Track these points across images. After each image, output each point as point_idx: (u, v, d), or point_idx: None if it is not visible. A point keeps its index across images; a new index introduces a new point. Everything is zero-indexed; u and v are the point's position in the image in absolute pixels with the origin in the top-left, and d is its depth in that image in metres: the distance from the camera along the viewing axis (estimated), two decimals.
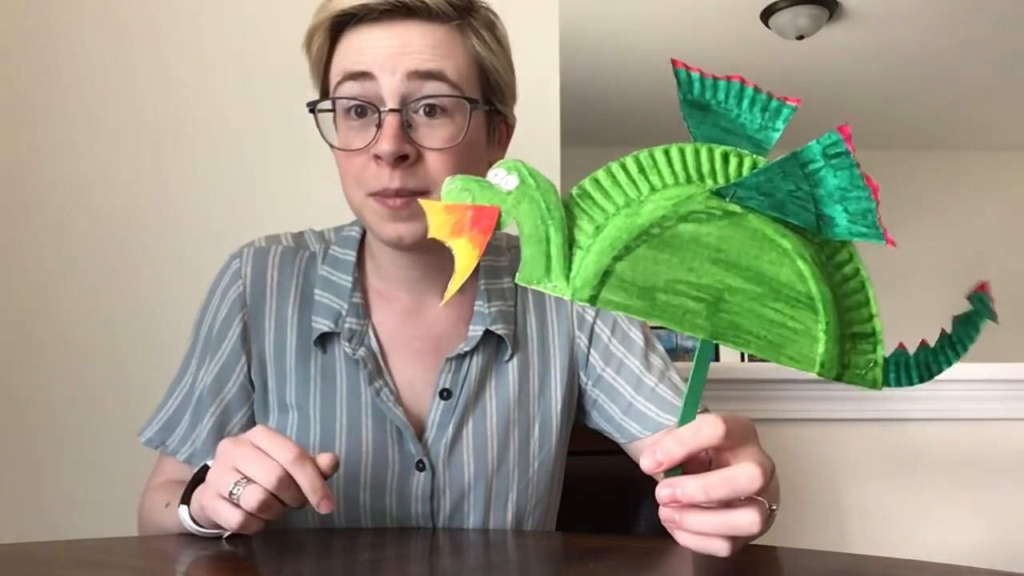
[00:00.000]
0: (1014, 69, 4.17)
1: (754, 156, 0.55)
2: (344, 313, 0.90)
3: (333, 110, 0.85)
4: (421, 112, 0.81)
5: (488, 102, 0.87)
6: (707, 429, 0.54)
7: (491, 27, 0.88)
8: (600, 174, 0.54)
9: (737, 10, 3.63)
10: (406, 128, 0.81)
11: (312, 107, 0.86)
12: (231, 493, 0.69)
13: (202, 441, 0.91)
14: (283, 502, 0.71)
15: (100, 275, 1.45)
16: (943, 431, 1.71)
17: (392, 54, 0.81)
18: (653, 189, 0.54)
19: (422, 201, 0.52)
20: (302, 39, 0.88)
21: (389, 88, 0.80)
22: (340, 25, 0.84)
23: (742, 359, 5.10)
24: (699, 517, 0.55)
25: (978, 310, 0.59)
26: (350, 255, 0.93)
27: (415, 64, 0.81)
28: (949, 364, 0.57)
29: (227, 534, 0.77)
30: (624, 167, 0.54)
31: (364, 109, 0.82)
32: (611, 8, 3.56)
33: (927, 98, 4.54)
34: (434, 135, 0.82)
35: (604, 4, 3.52)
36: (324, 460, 0.72)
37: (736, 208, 0.53)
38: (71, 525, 1.40)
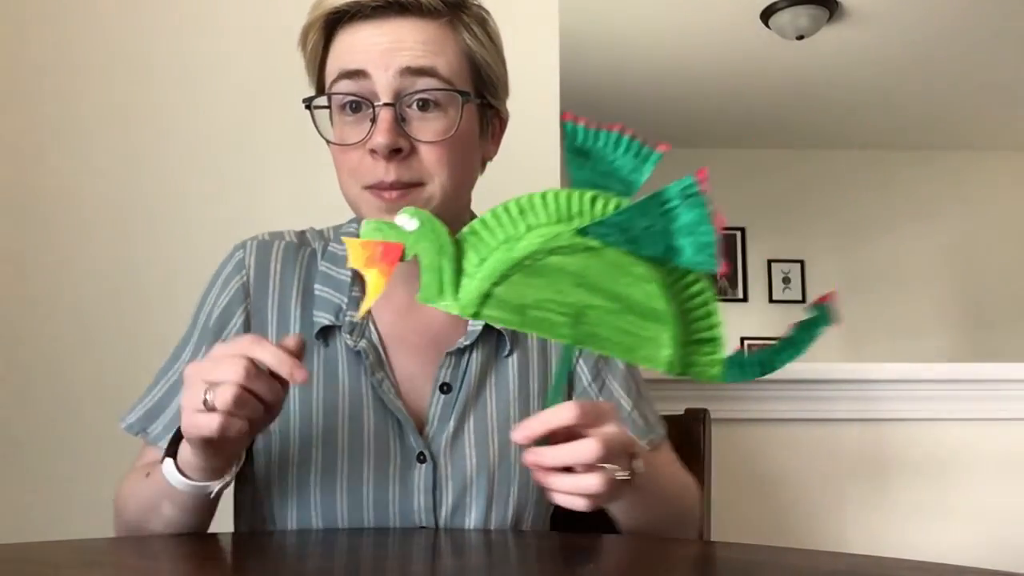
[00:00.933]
0: (1014, 69, 4.17)
1: (619, 198, 0.66)
2: (344, 307, 0.92)
3: (328, 107, 0.87)
4: (414, 107, 0.84)
5: (480, 96, 0.89)
6: (562, 412, 0.68)
7: (482, 23, 0.90)
8: (487, 216, 0.66)
9: (737, 10, 3.63)
10: (400, 122, 0.83)
11: (308, 104, 0.88)
12: (204, 402, 0.69)
13: None
14: (259, 398, 0.71)
15: (100, 275, 1.45)
16: (943, 431, 1.71)
17: (385, 51, 0.83)
18: (529, 228, 0.66)
19: (346, 240, 0.65)
20: (297, 37, 0.90)
21: (383, 84, 0.83)
22: (334, 22, 0.86)
23: None
24: (557, 478, 0.69)
25: (819, 317, 0.70)
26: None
27: (408, 60, 0.83)
28: (788, 360, 0.68)
29: (216, 487, 0.77)
30: (507, 209, 0.66)
31: (359, 105, 0.84)
32: (611, 8, 3.56)
33: (927, 98, 4.54)
34: (427, 128, 0.84)
35: (604, 4, 3.52)
36: (289, 340, 0.73)
37: (596, 243, 0.65)
38: (71, 525, 1.40)
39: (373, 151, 0.83)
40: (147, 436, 0.92)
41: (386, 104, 0.82)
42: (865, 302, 5.15)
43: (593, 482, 0.68)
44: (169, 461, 0.78)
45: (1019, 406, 1.70)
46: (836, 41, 3.87)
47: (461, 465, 0.90)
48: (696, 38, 3.86)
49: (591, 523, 0.82)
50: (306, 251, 0.96)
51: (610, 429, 0.71)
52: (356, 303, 0.92)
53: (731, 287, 5.27)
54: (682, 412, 1.22)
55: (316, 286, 0.93)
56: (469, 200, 0.94)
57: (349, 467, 0.88)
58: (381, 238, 0.63)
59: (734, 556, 0.77)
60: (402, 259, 0.63)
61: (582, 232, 0.65)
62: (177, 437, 0.78)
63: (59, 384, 1.43)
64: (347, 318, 0.91)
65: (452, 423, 0.90)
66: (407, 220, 0.64)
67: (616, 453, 0.70)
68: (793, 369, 1.77)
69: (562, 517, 1.00)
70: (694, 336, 0.67)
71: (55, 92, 1.48)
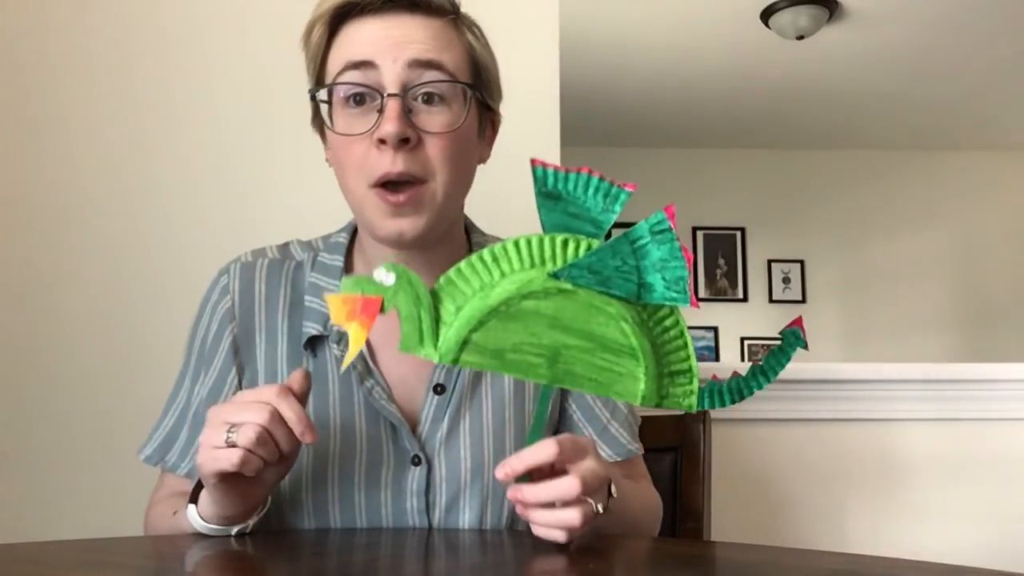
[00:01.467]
0: (1014, 69, 4.17)
1: (589, 240, 0.68)
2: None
3: (329, 101, 0.87)
4: (420, 100, 0.85)
5: (480, 94, 0.90)
6: (541, 451, 0.71)
7: (477, 27, 0.92)
8: (462, 265, 0.68)
9: (737, 10, 3.63)
10: (407, 113, 0.84)
11: (313, 94, 0.89)
12: (225, 440, 0.71)
13: None
14: (277, 444, 0.74)
15: (100, 277, 1.45)
16: (942, 431, 1.71)
17: (394, 43, 0.84)
18: (503, 274, 0.68)
19: (326, 297, 0.67)
20: (300, 35, 0.90)
21: (391, 75, 0.84)
22: (341, 17, 0.87)
23: (742, 359, 5.11)
24: (538, 513, 0.73)
25: (790, 343, 0.72)
26: (338, 260, 0.95)
27: (416, 53, 0.84)
28: (760, 387, 0.72)
29: (235, 531, 0.79)
30: (481, 258, 0.68)
31: (363, 97, 0.85)
32: (611, 8, 3.56)
33: (927, 98, 4.54)
34: (433, 120, 0.85)
35: (604, 4, 3.52)
36: (295, 378, 0.77)
37: (568, 286, 0.67)
38: (71, 525, 1.40)
39: (381, 141, 0.83)
40: (166, 464, 0.95)
41: (394, 95, 0.83)
42: (865, 302, 5.16)
43: (572, 516, 0.71)
44: (192, 508, 0.80)
45: (1019, 406, 1.70)
46: (836, 41, 3.87)
47: (455, 466, 0.90)
48: (696, 38, 3.86)
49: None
50: (291, 264, 0.96)
51: (589, 464, 0.74)
52: None
53: (731, 287, 5.28)
54: (682, 412, 1.22)
55: (306, 297, 0.93)
56: (463, 204, 0.95)
57: (340, 473, 0.88)
58: (360, 293, 0.65)
59: (734, 556, 0.77)
60: (382, 311, 0.65)
61: (555, 276, 0.67)
62: (200, 485, 0.80)
63: (59, 384, 1.43)
64: (334, 328, 0.91)
65: (446, 424, 0.90)
66: (384, 275, 0.66)
67: (594, 488, 0.73)
68: (793, 369, 1.77)
69: None
70: (668, 369, 0.70)
71: (54, 97, 1.48)
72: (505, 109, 0.97)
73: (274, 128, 1.51)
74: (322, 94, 0.88)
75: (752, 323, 5.19)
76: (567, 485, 0.71)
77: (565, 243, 0.68)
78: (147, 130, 1.49)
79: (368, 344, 0.91)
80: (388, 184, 0.84)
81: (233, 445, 0.71)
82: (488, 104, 0.92)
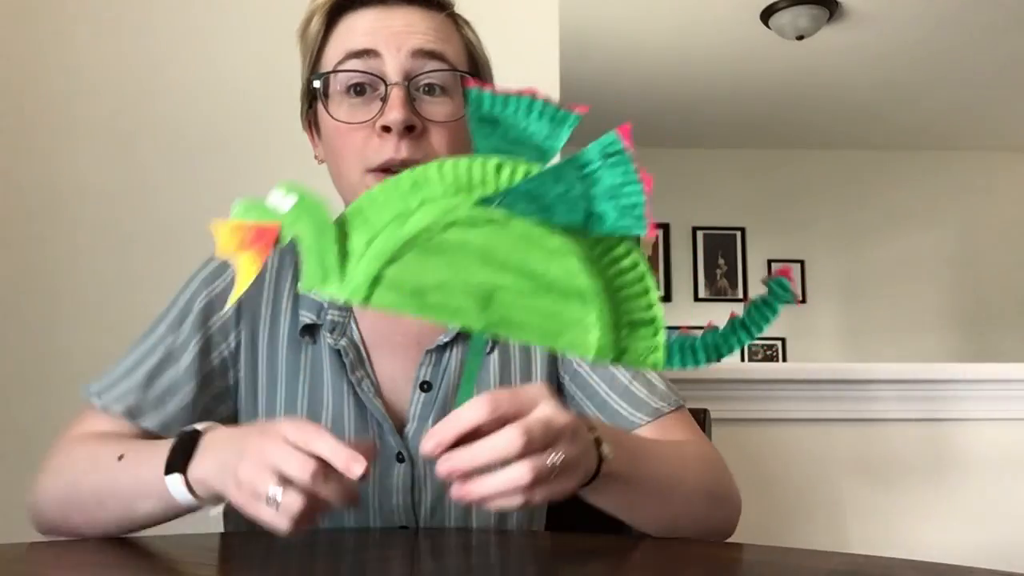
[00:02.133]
0: (1015, 70, 4.17)
1: (528, 164, 0.57)
2: (326, 306, 0.92)
3: (326, 93, 0.87)
4: (422, 90, 0.85)
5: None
6: (472, 411, 0.60)
7: (472, 26, 0.93)
8: (375, 190, 0.58)
9: (737, 10, 3.63)
10: (411, 102, 0.84)
11: (309, 84, 0.88)
12: (268, 498, 0.63)
13: (178, 411, 0.87)
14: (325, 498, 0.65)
15: (98, 278, 1.45)
16: (942, 431, 1.71)
17: (397, 32, 0.85)
18: (423, 202, 0.57)
19: (213, 224, 0.57)
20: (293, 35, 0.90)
21: (394, 64, 0.84)
22: (339, 9, 0.88)
23: (742, 359, 5.11)
24: (480, 484, 0.60)
25: (776, 294, 0.59)
26: None
27: (419, 43, 0.85)
28: (741, 344, 0.59)
29: (218, 509, 0.73)
30: (398, 183, 0.58)
31: (364, 87, 0.85)
32: (612, 8, 3.56)
33: (927, 98, 4.54)
34: (436, 111, 0.85)
35: (604, 4, 3.52)
36: (361, 450, 0.64)
37: (498, 215, 0.57)
38: None
39: (385, 129, 0.82)
40: (99, 400, 0.89)
41: (399, 83, 0.83)
42: (865, 302, 5.16)
43: (518, 472, 0.60)
44: (178, 478, 0.72)
45: (1019, 406, 1.70)
46: (836, 41, 3.87)
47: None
48: (696, 38, 3.86)
49: (594, 524, 0.81)
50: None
51: (539, 414, 0.63)
52: (338, 301, 0.91)
53: (731, 287, 5.28)
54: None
55: (300, 284, 0.93)
56: None
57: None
58: (254, 219, 0.56)
59: (735, 556, 0.77)
60: (278, 243, 0.57)
61: (485, 202, 0.57)
62: (185, 451, 0.73)
63: (58, 384, 1.43)
64: (328, 317, 0.91)
65: (431, 422, 0.89)
66: (282, 197, 0.57)
67: (548, 439, 0.62)
68: (793, 369, 1.77)
69: (562, 516, 1.00)
70: (628, 317, 0.58)
71: (53, 96, 1.48)
72: None
73: (273, 128, 1.51)
74: (320, 83, 0.87)
75: None
76: (505, 438, 0.59)
77: (499, 167, 0.57)
78: (145, 131, 1.49)
79: (362, 337, 0.91)
80: (387, 171, 0.83)
81: (276, 505, 0.63)
82: None
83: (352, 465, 0.62)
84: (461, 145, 0.87)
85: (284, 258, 0.95)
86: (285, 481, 0.63)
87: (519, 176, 0.57)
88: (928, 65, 4.13)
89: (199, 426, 0.76)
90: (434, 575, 0.68)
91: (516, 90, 0.58)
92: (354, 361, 0.89)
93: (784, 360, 5.11)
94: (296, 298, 0.93)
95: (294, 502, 0.63)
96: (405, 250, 0.57)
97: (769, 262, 5.25)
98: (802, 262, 5.25)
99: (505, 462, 0.60)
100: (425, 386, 0.90)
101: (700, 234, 5.26)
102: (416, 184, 0.58)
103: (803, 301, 5.22)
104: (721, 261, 5.27)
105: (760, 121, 4.86)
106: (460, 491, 0.61)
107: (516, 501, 0.61)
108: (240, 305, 0.92)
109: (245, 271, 0.56)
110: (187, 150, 1.50)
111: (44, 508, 0.85)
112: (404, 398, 0.91)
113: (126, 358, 0.92)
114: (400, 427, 0.90)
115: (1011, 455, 1.71)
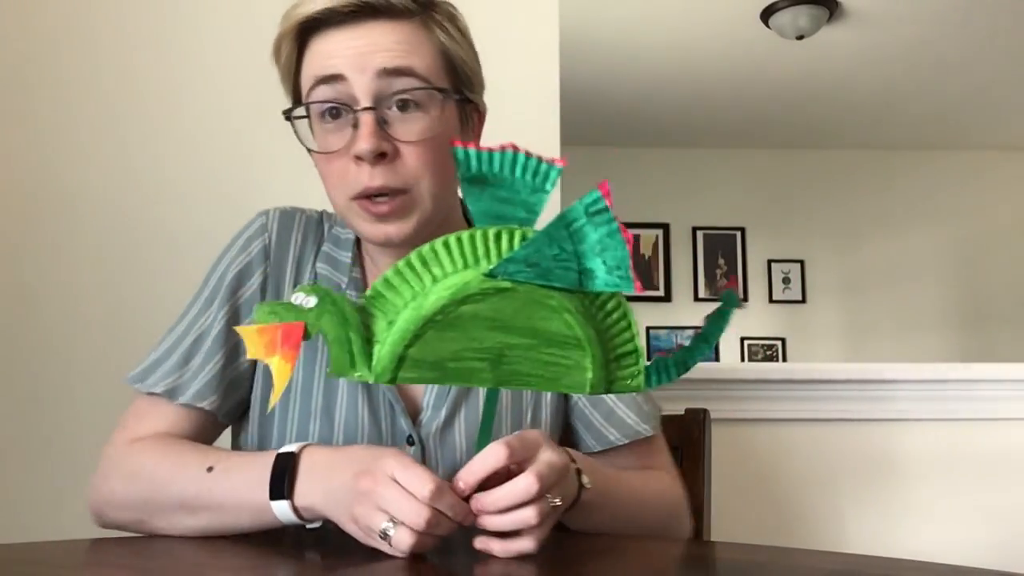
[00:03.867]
0: (1015, 69, 4.17)
1: (523, 229, 0.63)
2: (344, 287, 0.93)
3: (307, 116, 0.87)
4: (394, 108, 0.84)
5: (458, 92, 0.89)
6: (491, 457, 0.68)
7: (452, 19, 0.90)
8: (389, 274, 0.63)
9: (737, 10, 3.63)
10: (382, 125, 0.83)
11: (287, 115, 0.88)
12: (381, 534, 0.68)
13: (209, 378, 0.90)
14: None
15: (97, 278, 1.45)
16: (942, 431, 1.71)
17: (361, 54, 0.83)
18: (435, 279, 0.63)
19: (240, 329, 0.61)
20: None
21: (361, 87, 0.83)
22: (306, 32, 0.86)
23: (742, 359, 5.11)
24: (494, 519, 0.69)
25: (727, 304, 0.68)
26: (350, 234, 0.96)
27: (384, 62, 0.83)
28: (703, 354, 0.68)
29: (316, 523, 0.77)
30: (410, 264, 0.63)
31: (338, 111, 0.84)
32: (611, 8, 3.56)
33: (927, 98, 4.54)
34: (409, 129, 0.84)
35: (604, 4, 3.52)
36: (465, 480, 0.70)
37: (506, 284, 0.62)
38: (71, 525, 1.40)
39: (358, 157, 0.82)
40: (143, 385, 0.91)
41: (366, 108, 0.82)
42: (865, 302, 5.16)
43: (527, 515, 0.68)
44: (286, 504, 0.75)
45: (1019, 406, 1.70)
46: (836, 41, 3.87)
47: (450, 452, 0.90)
48: (696, 38, 3.86)
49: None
50: (325, 228, 0.98)
51: (544, 458, 0.71)
52: (355, 284, 0.93)
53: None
54: (682, 412, 1.22)
55: (319, 264, 0.94)
56: (456, 195, 0.94)
57: (344, 442, 0.88)
58: (278, 320, 0.59)
59: (734, 556, 0.77)
60: (306, 339, 0.60)
61: (491, 274, 0.62)
62: (286, 476, 0.76)
63: (57, 385, 1.43)
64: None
65: (444, 412, 0.91)
66: (304, 298, 0.60)
67: (553, 482, 0.70)
68: (793, 369, 1.78)
69: None
70: (615, 352, 0.66)
71: (54, 94, 1.48)
72: (505, 109, 0.97)
73: (273, 130, 1.50)
74: (299, 111, 0.87)
75: (752, 323, 5.18)
76: (524, 484, 0.68)
77: (498, 236, 0.63)
78: (143, 131, 1.49)
79: None
80: (367, 198, 0.84)
81: (390, 543, 0.68)
82: (468, 98, 0.91)
83: (468, 517, 0.69)
84: (439, 159, 0.85)
85: (308, 236, 0.96)
86: (397, 523, 0.68)
87: (517, 243, 0.63)
88: (928, 65, 4.13)
89: (293, 448, 0.78)
90: (435, 573, 0.68)
91: (499, 146, 0.63)
92: None
93: (784, 360, 5.10)
94: (316, 277, 0.94)
95: (405, 540, 0.67)
96: (425, 329, 0.62)
97: (769, 262, 5.26)
98: (802, 262, 5.25)
99: (522, 504, 0.68)
100: None
101: (700, 234, 5.26)
102: (425, 262, 0.63)
103: (803, 301, 5.23)
104: (721, 261, 5.27)
105: (760, 121, 4.86)
106: (485, 546, 0.69)
107: (527, 545, 0.69)
108: (266, 279, 0.93)
109: (280, 372, 0.59)
110: (185, 151, 1.50)
111: (114, 510, 0.87)
112: (417, 386, 0.92)
113: (163, 341, 0.94)
114: (412, 409, 0.91)
115: (1011, 455, 1.71)
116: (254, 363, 0.93)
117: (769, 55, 4.00)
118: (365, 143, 0.81)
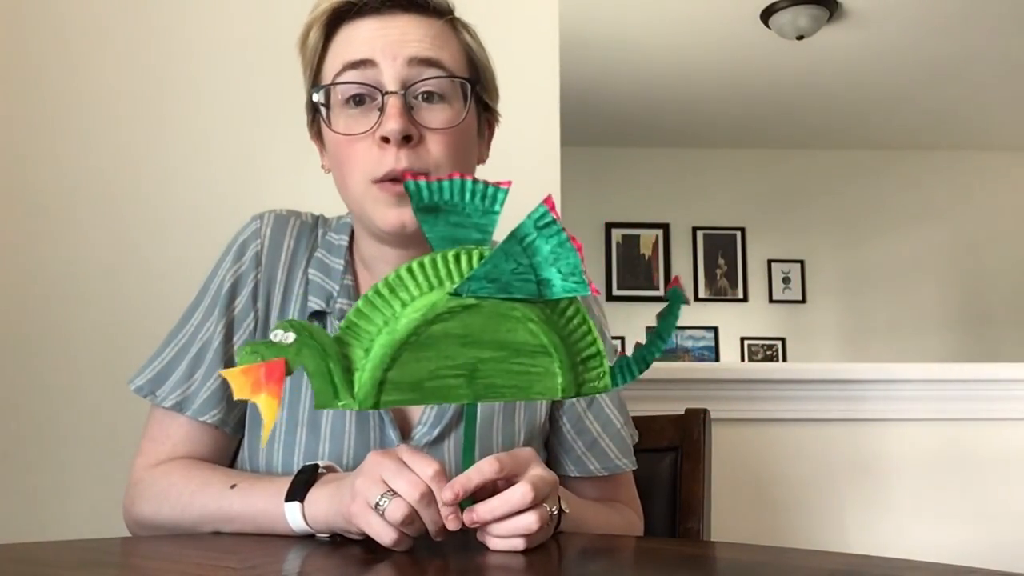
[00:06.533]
0: (1014, 69, 4.17)
1: (480, 248, 0.67)
2: (335, 295, 0.93)
3: (327, 104, 0.88)
4: (420, 98, 0.85)
5: (479, 92, 0.91)
6: (486, 468, 0.70)
7: (473, 29, 0.93)
8: (360, 304, 0.66)
9: (737, 10, 3.63)
10: (408, 111, 0.84)
11: (312, 95, 0.89)
12: (377, 504, 0.69)
13: (211, 392, 0.92)
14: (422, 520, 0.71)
15: (96, 280, 1.45)
16: (943, 431, 1.71)
17: (392, 42, 0.85)
18: (404, 304, 0.66)
19: (224, 373, 0.62)
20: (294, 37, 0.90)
21: (391, 73, 0.84)
22: (337, 19, 0.88)
23: (742, 359, 5.11)
24: (496, 527, 0.70)
25: (675, 301, 0.71)
26: (344, 240, 0.96)
27: (415, 51, 0.85)
28: (660, 351, 0.71)
29: (325, 535, 0.78)
30: (378, 292, 0.66)
31: (363, 97, 0.86)
32: (611, 8, 3.57)
33: (927, 98, 4.54)
34: (435, 117, 0.85)
35: (604, 4, 3.53)
36: (463, 486, 0.71)
37: (471, 300, 0.66)
38: (71, 525, 1.40)
39: (384, 139, 0.83)
40: (155, 399, 0.93)
41: (395, 92, 0.83)
42: (865, 302, 5.16)
43: (529, 520, 0.69)
44: (296, 507, 0.77)
45: (1019, 406, 1.71)
46: (836, 41, 3.87)
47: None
48: (696, 38, 3.87)
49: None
50: (321, 232, 0.98)
51: (535, 471, 0.73)
52: (347, 291, 0.93)
53: (731, 287, 5.28)
54: (682, 412, 1.22)
55: (310, 270, 0.95)
56: None
57: (330, 451, 0.89)
58: (259, 360, 0.61)
59: (734, 556, 0.77)
60: (288, 374, 0.62)
61: (456, 293, 0.66)
62: (305, 483, 0.78)
63: (57, 385, 1.43)
64: (337, 305, 0.92)
65: (438, 430, 0.91)
66: (283, 334, 0.63)
67: (546, 493, 0.72)
68: (793, 369, 1.78)
69: None
70: (580, 356, 0.70)
71: (54, 91, 1.48)
72: (505, 109, 0.97)
73: (272, 132, 1.51)
74: (320, 96, 0.88)
75: (752, 323, 5.19)
76: (520, 493, 0.70)
77: (457, 257, 0.67)
78: (142, 132, 1.49)
79: None
80: (392, 180, 0.84)
81: (380, 513, 0.69)
82: (487, 103, 0.93)
83: (452, 519, 0.70)
84: (461, 150, 0.87)
85: (301, 241, 0.96)
86: (394, 494, 0.69)
87: (475, 262, 0.67)
88: (928, 65, 4.13)
89: (321, 463, 0.80)
90: (432, 575, 0.68)
91: (447, 176, 0.67)
92: None
93: (784, 360, 5.11)
94: (308, 283, 0.94)
95: (397, 509, 0.68)
96: (400, 352, 0.65)
97: (769, 262, 5.26)
98: (802, 262, 5.25)
99: (516, 513, 0.70)
100: None
101: (700, 234, 5.26)
102: (392, 289, 0.66)
103: (803, 301, 5.23)
104: (721, 261, 5.27)
105: (760, 121, 4.87)
106: (480, 537, 0.71)
107: (520, 544, 0.70)
108: (256, 285, 0.94)
109: (267, 408, 0.61)
110: (184, 153, 1.50)
111: (146, 531, 0.91)
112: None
113: (168, 347, 0.95)
114: (405, 422, 0.91)
115: (1011, 455, 1.71)
116: None
117: (769, 55, 4.01)
118: (395, 123, 0.82)
